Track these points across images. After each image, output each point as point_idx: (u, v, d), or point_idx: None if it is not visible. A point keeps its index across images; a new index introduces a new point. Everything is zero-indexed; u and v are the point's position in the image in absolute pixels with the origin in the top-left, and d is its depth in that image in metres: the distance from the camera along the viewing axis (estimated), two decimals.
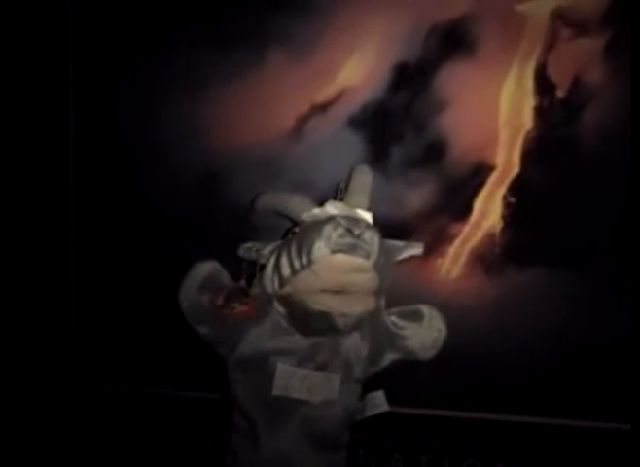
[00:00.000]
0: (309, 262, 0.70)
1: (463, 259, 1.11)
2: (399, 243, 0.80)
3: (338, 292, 0.71)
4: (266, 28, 1.10)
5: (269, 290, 0.76)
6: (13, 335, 1.22)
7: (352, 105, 1.09)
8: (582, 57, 1.05)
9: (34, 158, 1.21)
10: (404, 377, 0.93)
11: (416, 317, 0.84)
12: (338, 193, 0.84)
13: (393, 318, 0.84)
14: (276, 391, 0.75)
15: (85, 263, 1.24)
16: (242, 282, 0.77)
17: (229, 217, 1.13)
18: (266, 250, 0.79)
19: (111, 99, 1.18)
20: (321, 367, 0.77)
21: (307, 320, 0.74)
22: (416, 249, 0.81)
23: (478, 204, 1.09)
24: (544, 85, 1.06)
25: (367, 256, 0.69)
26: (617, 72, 1.04)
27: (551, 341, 1.08)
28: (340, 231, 0.68)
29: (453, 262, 1.10)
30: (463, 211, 1.09)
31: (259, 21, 1.11)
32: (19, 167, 1.21)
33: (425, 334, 0.83)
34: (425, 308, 0.85)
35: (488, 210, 1.09)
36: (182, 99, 1.14)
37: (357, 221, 0.71)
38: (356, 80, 1.09)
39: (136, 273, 1.21)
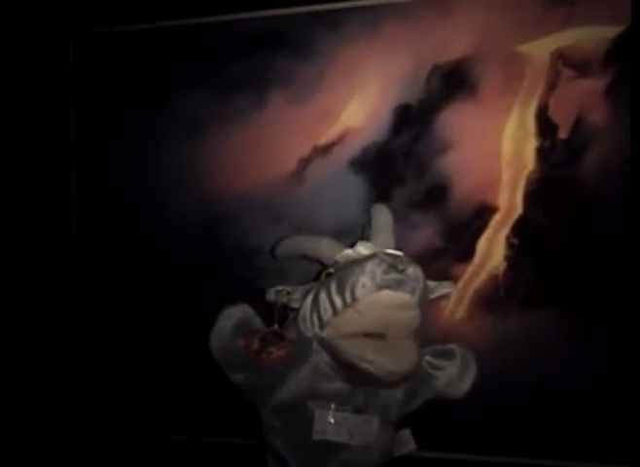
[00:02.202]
0: (353, 299, 0.68)
1: (467, 300, 1.08)
2: (431, 283, 0.79)
3: (382, 337, 0.68)
4: (266, 71, 1.10)
5: (308, 333, 0.75)
6: (13, 373, 1.21)
7: (354, 147, 1.08)
8: (583, 98, 1.04)
9: (35, 206, 1.21)
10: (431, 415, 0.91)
11: (449, 356, 0.84)
12: (365, 233, 0.85)
13: (428, 358, 0.84)
14: (316, 436, 0.74)
15: (87, 312, 1.22)
16: (276, 326, 0.76)
17: (232, 261, 1.14)
18: (297, 294, 0.78)
19: (110, 146, 1.18)
20: (359, 410, 0.75)
21: (351, 372, 0.72)
22: (447, 288, 0.80)
23: (481, 246, 1.07)
24: (545, 126, 1.04)
25: (412, 292, 0.68)
26: (618, 113, 1.03)
27: (555, 385, 1.06)
28: (385, 267, 0.67)
29: (457, 303, 1.08)
30: (466, 253, 1.07)
31: (259, 64, 1.11)
32: (21, 216, 1.21)
33: (458, 372, 0.83)
34: (456, 348, 0.86)
35: (491, 252, 1.06)
36: (182, 144, 1.13)
37: (398, 257, 0.70)
38: (358, 122, 1.08)
39: (139, 321, 1.19)
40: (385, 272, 0.66)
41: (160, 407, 1.19)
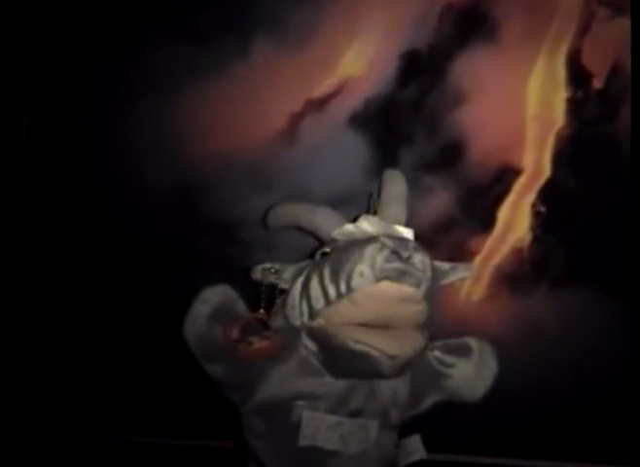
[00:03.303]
0: (349, 290, 0.62)
1: (486, 279, 1.01)
2: (444, 265, 0.73)
3: (381, 327, 0.64)
4: (251, 15, 0.99)
5: (296, 322, 0.69)
6: None
7: (354, 101, 0.99)
8: (621, 42, 0.95)
9: None
10: (444, 419, 0.84)
11: (464, 352, 0.79)
12: (371, 205, 0.80)
13: (437, 353, 0.79)
14: (303, 442, 0.69)
15: (44, 295, 1.11)
16: (261, 312, 0.71)
17: (211, 235, 1.04)
18: (288, 273, 0.72)
19: (68, 106, 1.05)
20: (355, 413, 0.70)
21: (344, 361, 0.66)
22: (465, 271, 0.74)
23: (502, 215, 0.99)
24: (578, 74, 0.97)
25: (417, 284, 0.62)
26: None
27: (590, 380, 0.99)
28: (387, 253, 0.61)
29: (475, 283, 1.01)
30: (485, 223, 1.00)
31: (242, 7, 1.00)
32: None
33: (475, 371, 0.78)
34: (474, 342, 0.80)
35: (515, 221, 0.99)
36: (153, 101, 1.01)
37: (404, 241, 0.63)
38: (358, 72, 0.98)
39: (105, 307, 1.09)
40: (387, 260, 0.61)
41: (130, 404, 1.11)
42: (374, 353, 0.62)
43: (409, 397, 0.76)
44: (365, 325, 0.63)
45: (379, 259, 0.61)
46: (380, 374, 0.66)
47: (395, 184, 0.79)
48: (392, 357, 0.63)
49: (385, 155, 1.00)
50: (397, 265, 0.61)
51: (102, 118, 1.04)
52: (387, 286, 0.61)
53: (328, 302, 0.65)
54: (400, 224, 0.71)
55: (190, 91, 1.01)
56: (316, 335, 0.68)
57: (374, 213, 0.77)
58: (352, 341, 0.63)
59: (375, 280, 0.61)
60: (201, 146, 1.02)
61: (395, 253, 0.61)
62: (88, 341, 1.10)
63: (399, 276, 0.61)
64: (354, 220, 0.70)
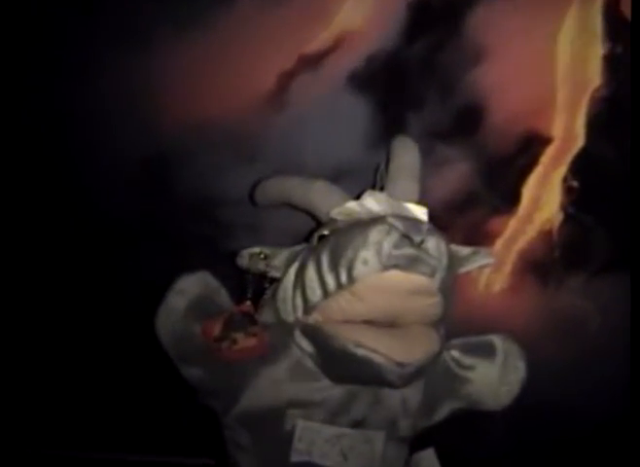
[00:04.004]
0: (350, 280, 0.59)
1: (509, 266, 0.96)
2: (462, 250, 0.69)
3: (389, 325, 0.60)
4: None
5: (289, 317, 0.65)
6: None
7: (354, 57, 0.98)
8: None
9: None
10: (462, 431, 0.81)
11: (487, 352, 0.72)
12: (378, 179, 0.75)
13: (455, 354, 0.72)
14: (296, 457, 0.64)
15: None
16: (247, 304, 0.65)
17: (188, 213, 0.97)
18: (279, 259, 0.69)
19: (31, 62, 0.98)
20: (358, 423, 0.65)
21: (344, 366, 0.62)
22: (486, 258, 0.70)
23: (528, 191, 0.98)
24: (616, 26, 0.92)
25: (431, 273, 0.57)
26: None
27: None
28: (395, 237, 0.57)
29: (496, 270, 0.96)
30: (508, 200, 0.98)
31: None
32: None
33: (499, 375, 0.71)
34: (498, 340, 0.73)
35: (543, 198, 0.98)
36: (122, 58, 0.94)
37: (416, 223, 0.60)
38: (359, 23, 0.96)
39: (61, 292, 1.01)
40: (396, 246, 0.57)
41: (96, 416, 1.03)
42: (379, 360, 0.58)
43: (422, 405, 0.70)
44: (369, 322, 0.59)
45: (387, 244, 0.56)
46: (387, 383, 0.60)
47: (406, 154, 0.73)
48: (400, 364, 0.58)
49: (391, 121, 0.96)
50: (407, 251, 0.56)
51: (63, 80, 0.97)
52: (396, 276, 0.57)
53: (326, 293, 0.60)
54: (411, 202, 0.66)
55: (164, 48, 0.97)
56: (311, 333, 0.63)
57: (381, 189, 0.71)
58: (353, 343, 0.58)
59: (382, 269, 0.57)
60: (176, 111, 0.95)
61: (405, 237, 0.56)
62: (52, 344, 1.04)
63: (410, 264, 0.56)
64: (357, 197, 0.66)
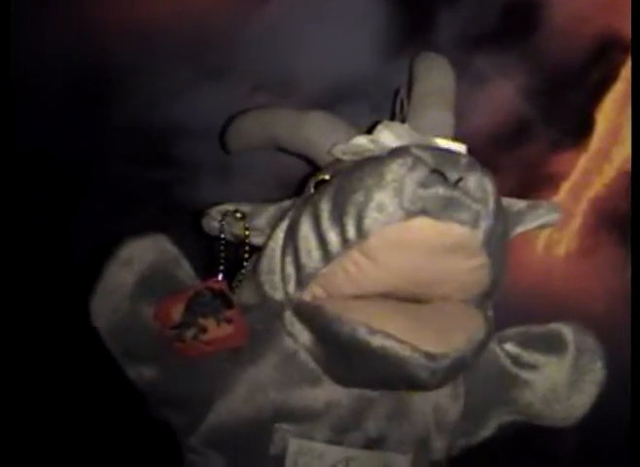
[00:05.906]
0: (360, 235, 0.46)
1: (578, 220, 0.78)
2: (517, 203, 0.60)
3: (414, 301, 0.49)
4: None
5: (276, 294, 0.54)
6: None
7: None
8: None
9: None
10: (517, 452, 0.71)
11: (553, 346, 0.62)
12: (398, 107, 0.66)
13: (510, 347, 0.61)
14: None
15: None
16: (219, 279, 0.55)
17: (133, 151, 0.78)
18: (262, 218, 0.58)
19: None
20: (373, 442, 0.54)
21: (354, 361, 0.50)
22: (551, 213, 0.59)
23: (603, 117, 0.76)
24: None
25: (474, 222, 0.45)
26: None
27: None
28: (423, 172, 0.45)
29: (561, 226, 0.78)
30: (575, 131, 0.77)
31: None
32: None
33: (569, 379, 0.60)
34: (568, 330, 0.62)
35: (624, 127, 0.76)
36: None
37: (449, 155, 0.48)
38: None
39: None
40: (423, 184, 0.45)
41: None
42: (402, 351, 0.47)
43: (463, 417, 0.59)
44: (387, 297, 0.49)
45: (410, 182, 0.46)
46: (413, 383, 0.50)
47: (435, 73, 0.63)
48: (431, 357, 0.47)
49: (413, 21, 0.75)
50: (440, 190, 0.46)
51: None
52: (424, 226, 0.46)
53: (327, 257, 0.50)
54: (444, 136, 0.56)
55: None
56: (308, 315, 0.53)
57: (402, 121, 0.60)
58: (365, 328, 0.48)
59: (404, 216, 0.46)
60: (114, 10, 0.75)
61: (436, 172, 0.46)
62: None
63: (443, 209, 0.46)
64: (369, 131, 0.55)
